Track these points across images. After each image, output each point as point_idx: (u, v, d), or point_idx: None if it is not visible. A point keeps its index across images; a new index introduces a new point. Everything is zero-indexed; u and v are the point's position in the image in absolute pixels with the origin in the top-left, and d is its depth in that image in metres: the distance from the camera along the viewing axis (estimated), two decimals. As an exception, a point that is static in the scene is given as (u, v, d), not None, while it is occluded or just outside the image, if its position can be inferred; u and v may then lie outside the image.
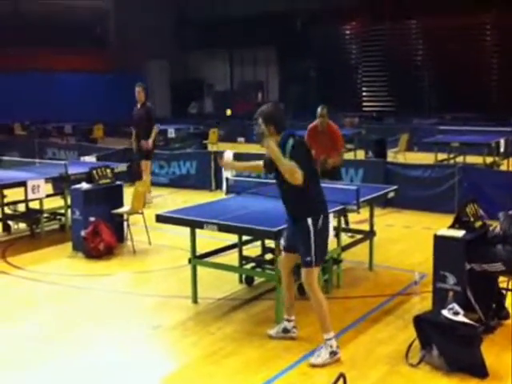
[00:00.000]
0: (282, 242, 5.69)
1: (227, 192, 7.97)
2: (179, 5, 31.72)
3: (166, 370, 5.22)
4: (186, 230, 6.62)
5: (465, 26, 24.76)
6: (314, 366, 5.12)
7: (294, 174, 5.05)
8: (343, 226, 7.61)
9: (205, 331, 5.93)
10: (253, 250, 7.54)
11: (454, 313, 5.09)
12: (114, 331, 6.03)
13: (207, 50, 30.61)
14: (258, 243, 7.50)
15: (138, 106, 11.79)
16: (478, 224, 5.94)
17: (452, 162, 13.95)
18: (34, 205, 9.94)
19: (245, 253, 7.31)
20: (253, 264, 7.32)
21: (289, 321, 5.74)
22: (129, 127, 13.33)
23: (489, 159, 13.58)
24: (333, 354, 5.19)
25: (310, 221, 5.22)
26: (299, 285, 6.78)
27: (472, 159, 14.19)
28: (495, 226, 5.87)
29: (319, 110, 9.64)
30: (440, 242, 5.81)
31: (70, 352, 5.56)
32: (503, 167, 13.89)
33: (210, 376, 5.06)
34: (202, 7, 31.09)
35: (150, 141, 11.77)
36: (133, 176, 11.89)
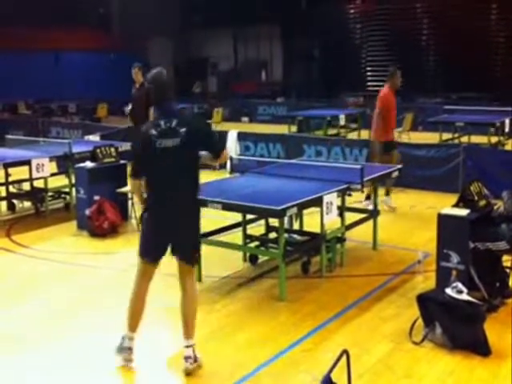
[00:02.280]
0: (148, 257, 4.97)
1: (231, 171, 7.97)
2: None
3: (172, 348, 5.25)
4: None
5: (470, 6, 24.53)
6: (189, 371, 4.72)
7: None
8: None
9: (210, 308, 5.97)
10: (257, 228, 7.55)
11: (457, 291, 5.10)
12: (119, 309, 6.04)
13: (211, 29, 30.40)
14: (262, 222, 7.52)
15: (137, 85, 11.50)
16: (482, 203, 5.94)
17: (457, 141, 13.89)
18: (39, 183, 9.96)
19: (249, 231, 7.32)
20: (257, 243, 7.34)
21: (131, 339, 4.90)
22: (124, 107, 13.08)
23: (494, 139, 13.53)
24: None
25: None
26: (303, 263, 6.84)
27: (477, 139, 14.13)
28: (499, 205, 5.87)
29: (392, 69, 9.90)
30: (444, 220, 5.82)
31: (75, 330, 5.60)
32: (508, 147, 13.83)
33: (215, 352, 5.10)
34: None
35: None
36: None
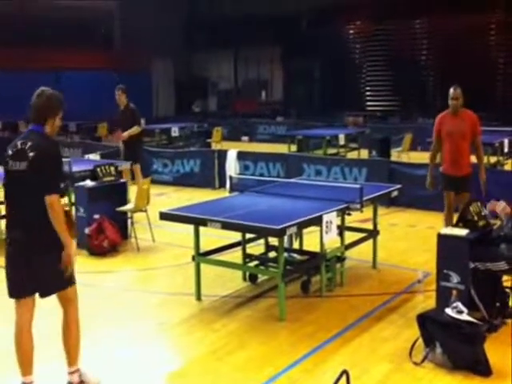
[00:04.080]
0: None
1: (231, 190, 7.99)
2: (185, 4, 31.73)
3: (170, 367, 5.23)
4: (190, 228, 6.64)
5: (470, 26, 24.71)
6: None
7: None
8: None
9: (209, 328, 5.95)
10: (256, 247, 7.55)
11: (457, 311, 5.09)
12: (118, 328, 6.04)
13: (212, 49, 30.61)
14: (262, 241, 7.52)
15: (121, 108, 11.38)
16: (482, 223, 5.95)
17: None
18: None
19: (248, 251, 7.32)
20: (256, 262, 7.33)
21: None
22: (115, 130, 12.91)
23: (493, 159, 13.57)
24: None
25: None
26: (302, 282, 6.83)
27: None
28: (498, 226, 5.87)
29: (452, 90, 7.89)
30: (444, 240, 5.82)
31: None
32: (507, 167, 13.87)
33: (214, 372, 5.07)
34: (207, 7, 31.12)
35: (126, 133, 11.24)
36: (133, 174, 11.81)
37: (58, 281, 4.55)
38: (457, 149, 7.77)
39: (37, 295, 4.61)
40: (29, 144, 4.37)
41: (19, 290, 4.52)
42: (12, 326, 4.57)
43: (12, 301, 4.58)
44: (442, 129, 7.94)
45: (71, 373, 4.72)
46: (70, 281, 4.66)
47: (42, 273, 4.47)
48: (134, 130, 11.26)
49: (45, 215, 4.32)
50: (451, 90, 7.88)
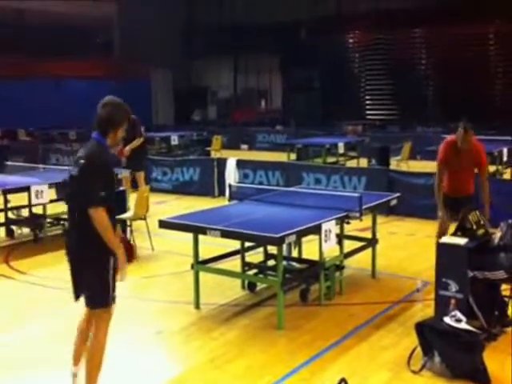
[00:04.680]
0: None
1: (230, 198, 8.01)
2: (184, 13, 31.85)
3: (169, 375, 5.22)
4: (189, 236, 6.64)
5: (468, 35, 24.83)
6: None
7: None
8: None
9: (207, 336, 5.94)
10: (255, 256, 7.55)
11: (456, 320, 5.09)
12: (117, 336, 6.01)
13: (211, 58, 30.71)
14: (261, 249, 7.52)
15: None
16: (481, 232, 5.95)
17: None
18: (38, 210, 9.98)
19: (247, 259, 7.32)
20: (255, 270, 7.33)
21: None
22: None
23: (492, 168, 13.58)
24: None
25: None
26: (301, 291, 6.83)
27: (475, 168, 14.18)
28: (498, 235, 5.87)
29: (461, 132, 7.13)
30: (443, 249, 5.83)
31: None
32: (506, 176, 13.90)
33: (212, 381, 5.07)
34: (206, 15, 31.23)
35: (128, 148, 11.25)
36: (136, 182, 11.84)
37: (91, 291, 4.52)
38: (459, 179, 7.37)
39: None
40: (83, 152, 4.49)
41: (73, 291, 4.62)
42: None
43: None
44: (447, 160, 7.37)
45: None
46: (105, 301, 4.51)
47: (82, 276, 4.50)
48: (136, 142, 11.31)
49: (87, 224, 4.31)
50: (461, 132, 7.09)
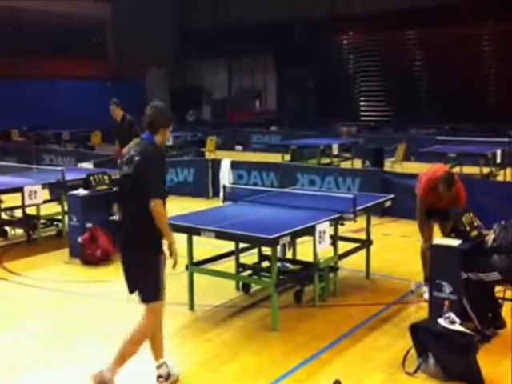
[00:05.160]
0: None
1: (224, 199, 7.99)
2: (179, 13, 31.84)
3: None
4: (183, 237, 6.62)
5: (462, 37, 24.89)
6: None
7: None
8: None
9: (202, 338, 5.93)
10: (250, 257, 7.54)
11: (450, 321, 5.10)
12: (111, 337, 6.01)
13: (206, 59, 30.71)
14: (255, 251, 7.51)
15: (118, 120, 11.22)
16: (474, 233, 5.96)
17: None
18: (31, 211, 9.94)
19: (242, 260, 7.31)
20: (250, 271, 7.32)
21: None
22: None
23: (485, 170, 13.63)
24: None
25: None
26: (295, 292, 6.83)
27: (469, 169, 14.23)
28: (491, 236, 5.87)
29: (443, 188, 6.45)
30: (436, 251, 5.84)
31: (67, 359, 5.55)
32: (499, 178, 13.94)
33: (207, 382, 5.06)
34: (201, 16, 31.24)
35: (125, 150, 11.23)
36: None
37: (144, 283, 4.77)
38: (438, 207, 6.81)
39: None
40: (137, 150, 4.76)
41: (127, 286, 4.88)
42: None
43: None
44: (427, 199, 6.78)
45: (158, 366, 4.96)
46: (155, 295, 4.78)
47: (132, 270, 4.78)
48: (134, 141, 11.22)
49: (143, 218, 4.59)
50: (445, 189, 6.44)
